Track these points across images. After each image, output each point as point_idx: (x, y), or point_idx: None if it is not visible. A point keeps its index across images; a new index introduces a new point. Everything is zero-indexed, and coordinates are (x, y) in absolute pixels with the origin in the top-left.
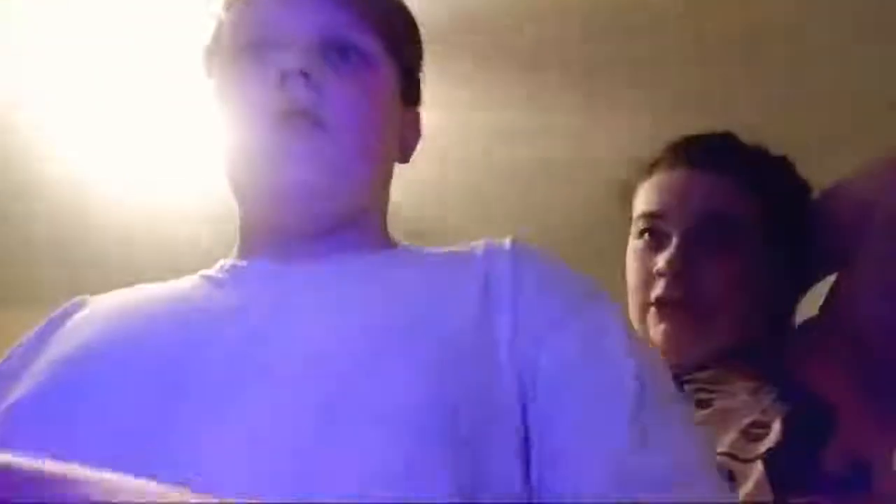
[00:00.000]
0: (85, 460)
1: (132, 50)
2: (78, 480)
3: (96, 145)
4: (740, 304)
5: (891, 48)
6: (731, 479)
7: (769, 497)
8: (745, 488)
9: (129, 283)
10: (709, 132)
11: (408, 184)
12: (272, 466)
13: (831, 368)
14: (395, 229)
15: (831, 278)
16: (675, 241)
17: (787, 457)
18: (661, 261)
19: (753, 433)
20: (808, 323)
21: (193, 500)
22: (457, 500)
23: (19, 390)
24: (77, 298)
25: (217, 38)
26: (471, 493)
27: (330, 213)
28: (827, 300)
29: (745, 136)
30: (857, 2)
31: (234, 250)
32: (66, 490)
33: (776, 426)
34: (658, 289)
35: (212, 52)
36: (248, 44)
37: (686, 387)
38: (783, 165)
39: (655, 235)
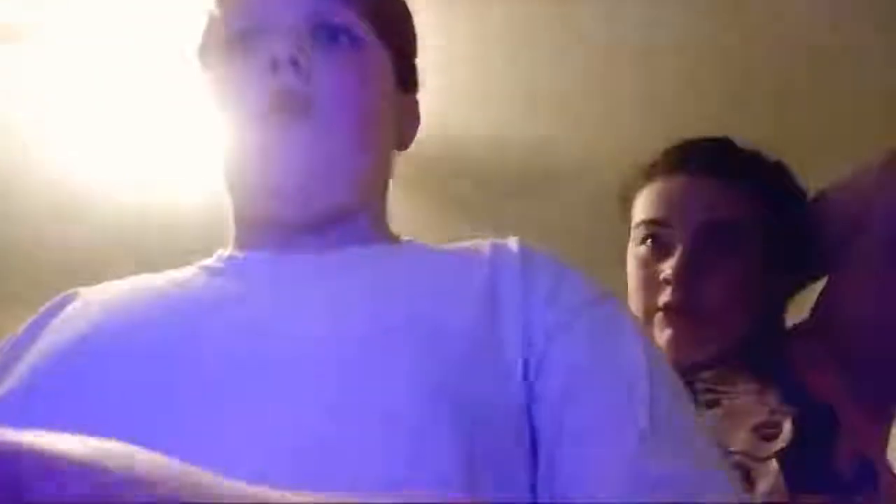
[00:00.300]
0: None
1: (131, 50)
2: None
3: (95, 145)
4: (740, 306)
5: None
6: (748, 477)
7: (786, 496)
8: (763, 487)
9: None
10: (704, 137)
11: None
12: (268, 464)
13: (824, 370)
14: None
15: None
16: (680, 249)
17: (799, 456)
18: (667, 268)
19: (765, 433)
20: (800, 325)
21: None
22: (460, 500)
23: (9, 382)
24: (70, 290)
25: (208, 30)
26: (475, 493)
27: (325, 203)
28: (818, 303)
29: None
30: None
31: (231, 243)
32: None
33: (787, 426)
34: (665, 296)
35: (204, 45)
36: (238, 34)
37: (693, 386)
38: (779, 170)
39: (659, 242)
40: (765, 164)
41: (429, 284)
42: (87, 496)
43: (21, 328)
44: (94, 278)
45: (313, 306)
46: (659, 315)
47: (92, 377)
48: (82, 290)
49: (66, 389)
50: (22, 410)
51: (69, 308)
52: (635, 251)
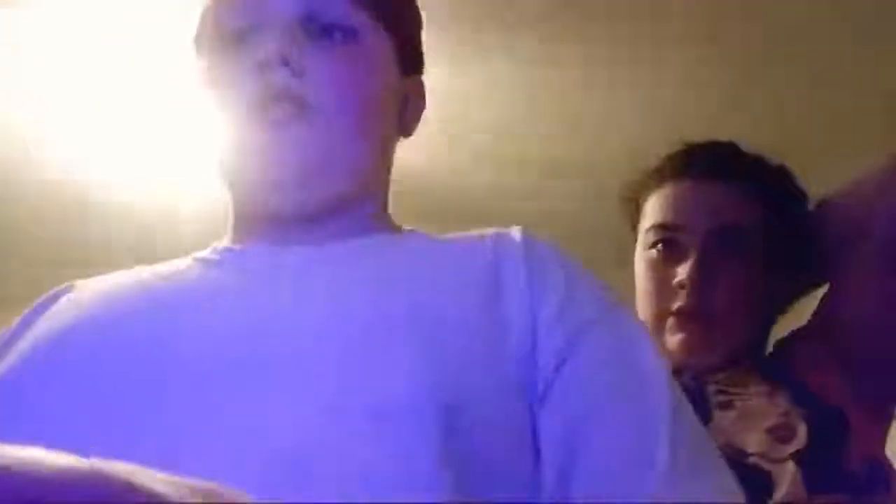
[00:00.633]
0: (57, 445)
1: (129, 49)
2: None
3: (95, 145)
4: (747, 308)
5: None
6: (768, 479)
7: (805, 497)
8: (783, 489)
9: None
10: (711, 141)
11: None
12: (251, 463)
13: (826, 372)
14: None
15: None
16: (694, 253)
17: (813, 458)
18: (682, 273)
19: (780, 434)
20: (803, 329)
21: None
22: (457, 501)
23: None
24: (65, 284)
25: (202, 26)
26: (464, 494)
27: (321, 197)
28: (820, 305)
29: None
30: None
31: (228, 235)
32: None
33: (801, 428)
34: (679, 300)
35: (198, 41)
36: (229, 30)
37: (706, 388)
38: (782, 173)
39: (671, 247)
40: (769, 167)
41: (430, 275)
42: None
43: (16, 320)
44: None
45: (311, 299)
46: (672, 319)
47: (78, 367)
48: (78, 283)
49: (51, 379)
50: (7, 400)
51: (63, 299)
52: (646, 255)
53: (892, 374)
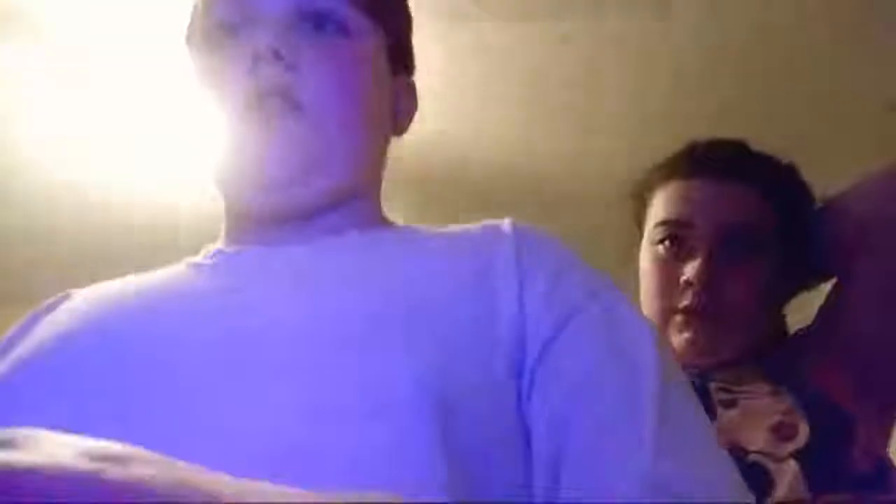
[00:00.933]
0: None
1: (129, 48)
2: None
3: (94, 144)
4: (758, 309)
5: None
6: (768, 477)
7: (806, 495)
8: (783, 487)
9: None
10: (721, 139)
11: None
12: (250, 463)
13: (833, 372)
14: None
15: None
16: (704, 251)
17: (818, 456)
18: (690, 271)
19: (782, 433)
20: (807, 329)
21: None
22: (451, 495)
23: None
24: (63, 292)
25: (193, 21)
26: (458, 492)
27: (314, 194)
28: (825, 308)
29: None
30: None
31: (221, 238)
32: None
33: (803, 426)
34: (686, 299)
35: (190, 36)
36: (221, 24)
37: (709, 386)
38: (792, 172)
39: (679, 243)
40: (781, 167)
41: (422, 270)
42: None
43: (14, 328)
44: (92, 277)
45: (303, 299)
46: (678, 317)
47: (70, 372)
48: (74, 292)
49: (45, 384)
50: (5, 404)
51: (60, 308)
52: (652, 250)
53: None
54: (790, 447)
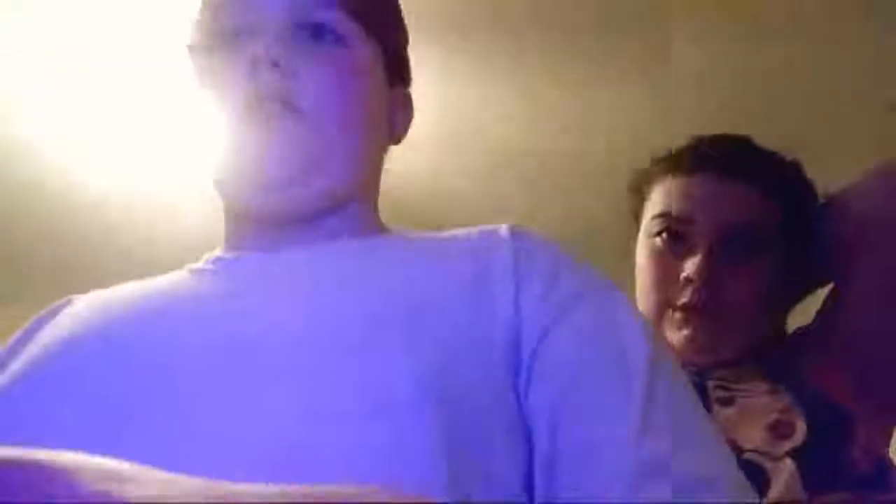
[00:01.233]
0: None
1: (127, 48)
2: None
3: (92, 144)
4: (760, 308)
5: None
6: (764, 476)
7: (802, 494)
8: (778, 485)
9: (125, 282)
10: (724, 135)
11: None
12: (251, 467)
13: (833, 372)
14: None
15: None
16: (705, 249)
17: (816, 455)
18: (690, 267)
19: (778, 431)
20: (806, 329)
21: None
22: (452, 494)
23: None
24: (65, 298)
25: (194, 28)
26: (459, 492)
27: (313, 195)
28: (824, 307)
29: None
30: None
31: (221, 245)
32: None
33: (801, 425)
34: (686, 296)
35: (192, 40)
36: (221, 31)
37: (706, 384)
38: (796, 170)
39: (677, 238)
40: (785, 164)
41: (420, 274)
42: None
43: (16, 334)
44: (91, 278)
45: (302, 303)
46: (677, 314)
47: (73, 379)
48: (77, 298)
49: (50, 390)
50: (7, 410)
51: (62, 314)
52: (649, 243)
53: None
54: (787, 446)
